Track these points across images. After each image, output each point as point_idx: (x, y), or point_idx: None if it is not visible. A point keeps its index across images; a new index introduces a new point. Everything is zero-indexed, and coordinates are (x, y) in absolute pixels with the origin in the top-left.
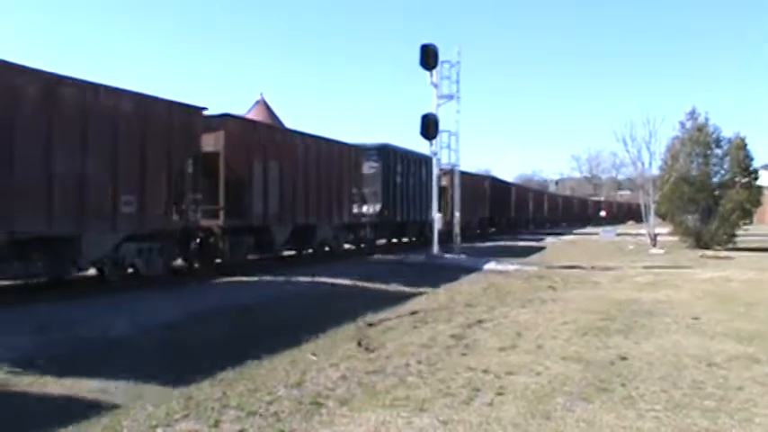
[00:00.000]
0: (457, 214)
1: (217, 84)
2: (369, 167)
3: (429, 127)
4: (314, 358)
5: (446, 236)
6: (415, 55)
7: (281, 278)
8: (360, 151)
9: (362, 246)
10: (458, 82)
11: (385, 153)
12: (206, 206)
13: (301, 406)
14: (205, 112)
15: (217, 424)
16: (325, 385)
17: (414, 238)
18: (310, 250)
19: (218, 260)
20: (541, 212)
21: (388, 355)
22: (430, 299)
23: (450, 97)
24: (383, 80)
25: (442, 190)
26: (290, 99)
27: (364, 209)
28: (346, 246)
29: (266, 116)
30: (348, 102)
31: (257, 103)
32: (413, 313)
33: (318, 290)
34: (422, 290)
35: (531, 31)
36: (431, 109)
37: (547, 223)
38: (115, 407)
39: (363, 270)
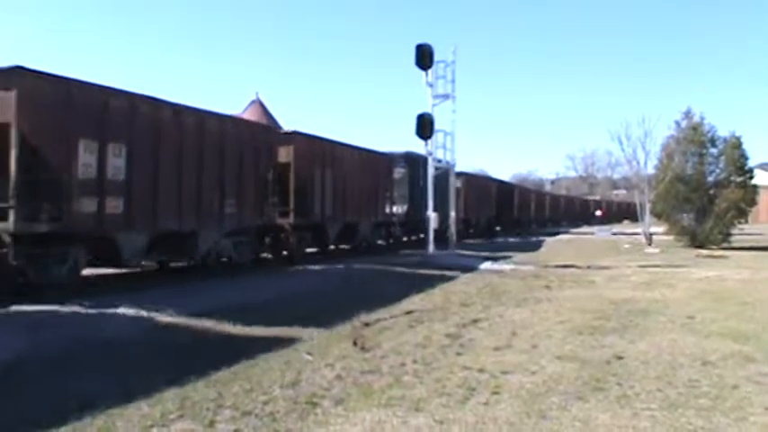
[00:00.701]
0: (452, 214)
1: (212, 83)
2: (397, 173)
3: (424, 127)
4: (309, 358)
5: (457, 235)
6: (411, 55)
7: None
8: (391, 159)
9: (391, 241)
10: (453, 81)
11: (410, 160)
12: (280, 208)
13: (297, 406)
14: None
15: (212, 424)
16: (320, 385)
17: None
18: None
19: (285, 252)
20: (543, 212)
21: (384, 355)
22: (425, 298)
23: (446, 97)
24: (378, 80)
25: (456, 191)
26: (286, 98)
27: (394, 209)
28: (378, 242)
29: (261, 116)
30: (343, 101)
31: (252, 102)
32: (408, 313)
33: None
34: (417, 289)
35: (526, 30)
36: (426, 109)
37: (548, 222)
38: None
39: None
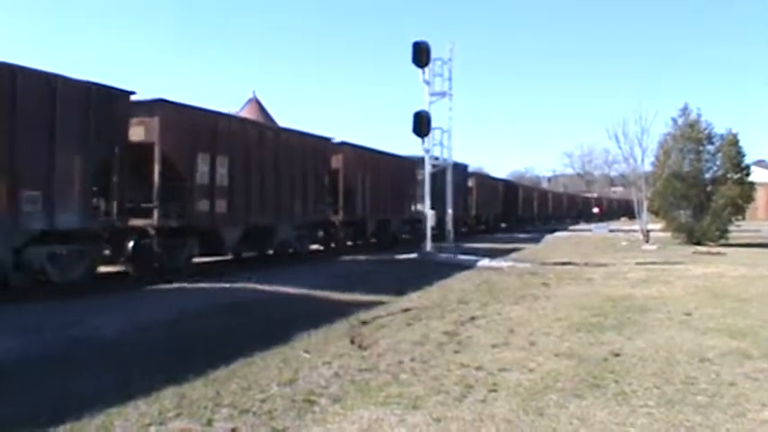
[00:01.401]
0: (450, 211)
1: (209, 81)
2: (420, 174)
3: (421, 124)
4: (307, 356)
5: (467, 231)
6: (408, 52)
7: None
8: (414, 163)
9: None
10: (450, 79)
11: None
12: (332, 207)
13: (294, 404)
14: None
15: (210, 422)
16: (317, 383)
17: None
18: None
19: (333, 244)
20: (546, 209)
21: (381, 353)
22: (423, 296)
23: (443, 94)
24: (375, 77)
25: (468, 190)
26: (283, 96)
27: (418, 207)
28: (404, 236)
29: (258, 114)
30: (339, 99)
31: (249, 101)
32: (405, 310)
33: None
34: (414, 287)
35: (523, 27)
36: (423, 106)
37: (551, 219)
38: (381, 303)
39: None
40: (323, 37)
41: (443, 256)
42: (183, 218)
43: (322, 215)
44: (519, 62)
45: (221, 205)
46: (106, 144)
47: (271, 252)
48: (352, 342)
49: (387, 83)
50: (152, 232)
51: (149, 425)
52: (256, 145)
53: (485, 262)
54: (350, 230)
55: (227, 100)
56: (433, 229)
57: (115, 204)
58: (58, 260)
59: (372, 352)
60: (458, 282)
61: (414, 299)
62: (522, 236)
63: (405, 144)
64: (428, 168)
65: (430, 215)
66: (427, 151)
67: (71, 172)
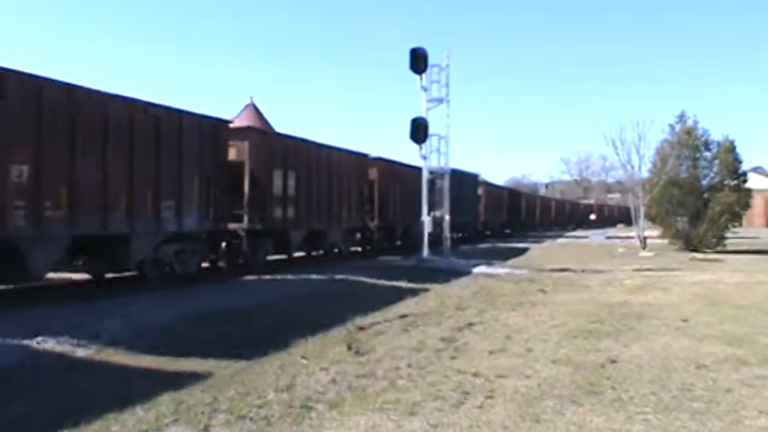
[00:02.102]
0: (447, 217)
1: (207, 87)
2: (438, 184)
3: (418, 131)
4: (304, 362)
5: (474, 235)
6: (405, 59)
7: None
8: (437, 173)
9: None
10: (447, 86)
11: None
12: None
13: (291, 410)
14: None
15: (207, 428)
16: (315, 389)
17: (461, 234)
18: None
19: (369, 246)
20: (548, 216)
21: (379, 359)
22: (420, 302)
23: (440, 101)
24: (372, 84)
25: (478, 198)
26: (280, 102)
27: (436, 213)
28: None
29: (256, 120)
30: (338, 105)
31: (247, 106)
32: (403, 317)
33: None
34: (412, 293)
35: (520, 34)
36: (420, 113)
37: (554, 226)
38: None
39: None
40: (320, 43)
41: (440, 261)
42: (264, 222)
43: (362, 221)
44: (516, 69)
45: (290, 212)
46: (212, 163)
47: (320, 252)
48: (350, 348)
49: (385, 89)
50: (242, 234)
51: (146, 431)
52: (314, 161)
53: (482, 268)
54: (382, 234)
55: (225, 106)
56: (430, 234)
57: (216, 212)
58: (181, 256)
59: (369, 358)
60: (455, 288)
61: (411, 305)
62: (522, 242)
63: (401, 150)
64: (426, 175)
65: (426, 221)
66: (424, 158)
67: (191, 186)
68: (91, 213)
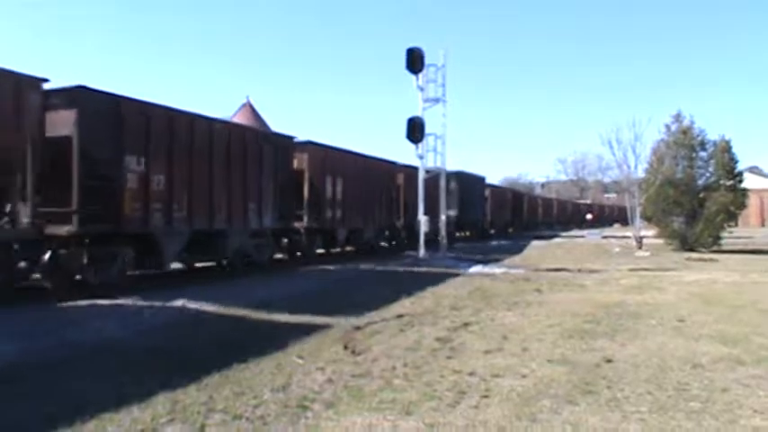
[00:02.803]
0: (443, 217)
1: (203, 86)
2: (452, 186)
3: (415, 130)
4: (300, 361)
5: (481, 233)
6: (402, 58)
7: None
8: (449, 176)
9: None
10: (444, 85)
11: (459, 177)
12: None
13: (287, 409)
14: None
15: (203, 428)
16: (311, 388)
17: (468, 233)
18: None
19: (395, 242)
20: (550, 216)
21: (375, 359)
22: (416, 302)
23: (436, 100)
24: (369, 84)
25: (485, 199)
26: (276, 101)
27: (450, 212)
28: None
29: (252, 119)
30: (334, 104)
31: (243, 106)
32: (399, 316)
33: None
34: (408, 293)
35: (516, 34)
36: (417, 112)
37: (555, 225)
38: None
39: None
40: (317, 43)
41: (437, 260)
42: (318, 221)
43: (390, 220)
44: (512, 69)
45: (338, 213)
46: (283, 172)
47: (364, 248)
48: (346, 348)
49: (382, 88)
50: (302, 231)
51: (142, 431)
52: (355, 168)
53: (478, 268)
54: (406, 232)
55: (221, 105)
56: (455, 224)
57: (286, 212)
58: (259, 249)
59: (366, 358)
60: (451, 288)
61: (407, 304)
62: (523, 240)
63: (398, 150)
64: (422, 174)
65: (423, 220)
66: (421, 157)
67: (268, 191)
68: (202, 214)
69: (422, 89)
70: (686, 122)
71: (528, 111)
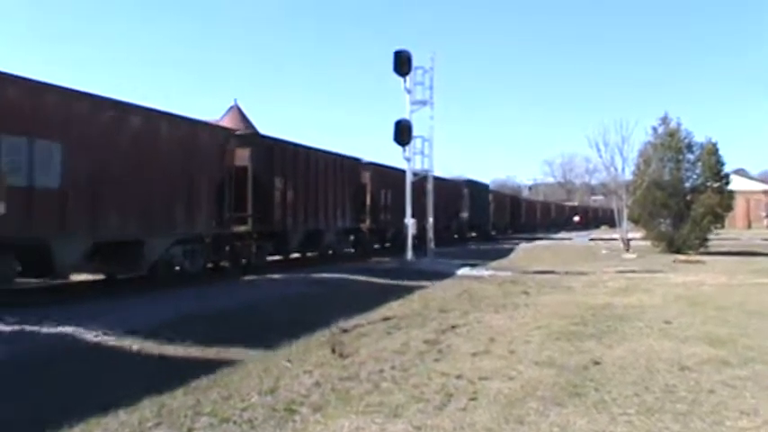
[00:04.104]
0: (431, 220)
1: (191, 89)
2: (464, 192)
3: (402, 133)
4: (288, 365)
5: (485, 234)
6: (389, 61)
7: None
8: (460, 184)
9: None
10: (431, 88)
11: (470, 184)
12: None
13: (275, 413)
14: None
15: (190, 431)
16: (298, 392)
17: (475, 234)
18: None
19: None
20: (548, 218)
21: (362, 362)
22: (403, 305)
23: (424, 103)
24: (356, 87)
25: (488, 205)
26: (265, 105)
27: (464, 215)
28: (455, 235)
29: (240, 122)
30: (322, 107)
31: (231, 109)
32: (386, 319)
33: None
34: (395, 296)
35: (504, 36)
36: (404, 115)
37: (553, 227)
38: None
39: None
40: (305, 45)
41: (424, 263)
42: (376, 223)
43: (421, 223)
44: (499, 71)
45: (387, 216)
46: (353, 187)
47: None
48: (333, 351)
49: (369, 91)
50: (366, 231)
51: None
52: (394, 181)
53: (466, 270)
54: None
55: (209, 108)
56: (467, 224)
57: (356, 216)
58: (340, 242)
59: (353, 360)
60: (438, 290)
61: (394, 307)
62: (522, 241)
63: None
64: (409, 176)
65: (411, 223)
66: (408, 160)
67: (344, 200)
68: (312, 217)
69: (409, 92)
70: (673, 125)
71: (515, 113)
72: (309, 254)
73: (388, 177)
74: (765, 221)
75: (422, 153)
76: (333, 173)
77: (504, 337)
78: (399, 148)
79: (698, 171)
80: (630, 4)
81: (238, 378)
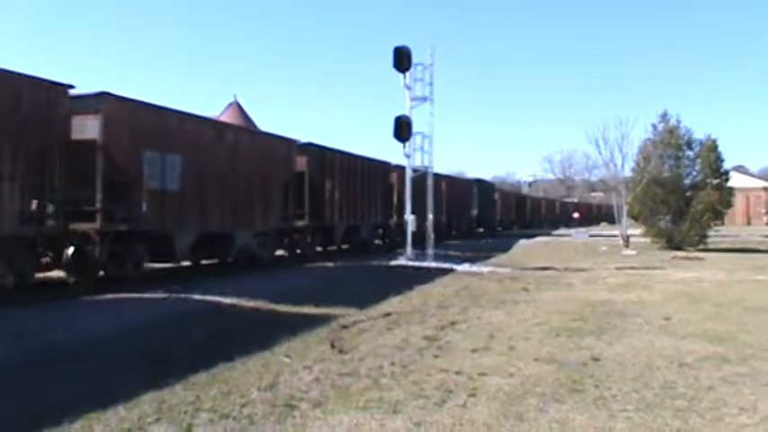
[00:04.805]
0: (430, 216)
1: (190, 84)
2: (474, 190)
3: (402, 129)
4: (287, 360)
5: (492, 229)
6: (389, 57)
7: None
8: (472, 183)
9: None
10: (431, 84)
11: (479, 182)
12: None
13: (274, 408)
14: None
15: (189, 427)
16: (298, 387)
17: (483, 229)
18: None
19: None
20: (553, 214)
21: (362, 357)
22: (403, 301)
23: (424, 99)
24: (357, 83)
25: (494, 202)
26: (264, 100)
27: (474, 211)
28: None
29: (239, 118)
30: (322, 103)
31: (230, 104)
32: (386, 315)
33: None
34: (395, 291)
35: (504, 33)
36: (404, 111)
37: (559, 223)
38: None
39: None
40: (305, 43)
41: (425, 260)
42: (395, 219)
43: (438, 218)
44: (499, 67)
45: (440, 217)
46: (383, 187)
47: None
48: (333, 346)
49: (369, 88)
50: (393, 226)
51: (129, 430)
52: (421, 182)
53: (466, 267)
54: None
55: (209, 104)
56: (476, 220)
57: (386, 213)
58: (372, 236)
59: (353, 356)
60: (438, 287)
61: (394, 303)
62: (523, 238)
63: (386, 149)
64: (409, 173)
65: (411, 220)
66: (408, 156)
67: (376, 198)
68: (351, 215)
69: (409, 88)
70: (673, 122)
71: (515, 109)
72: (345, 246)
73: (415, 178)
74: (765, 218)
75: (422, 149)
76: (367, 175)
77: (503, 334)
78: (399, 144)
79: (697, 168)
80: (631, 0)
81: (238, 374)
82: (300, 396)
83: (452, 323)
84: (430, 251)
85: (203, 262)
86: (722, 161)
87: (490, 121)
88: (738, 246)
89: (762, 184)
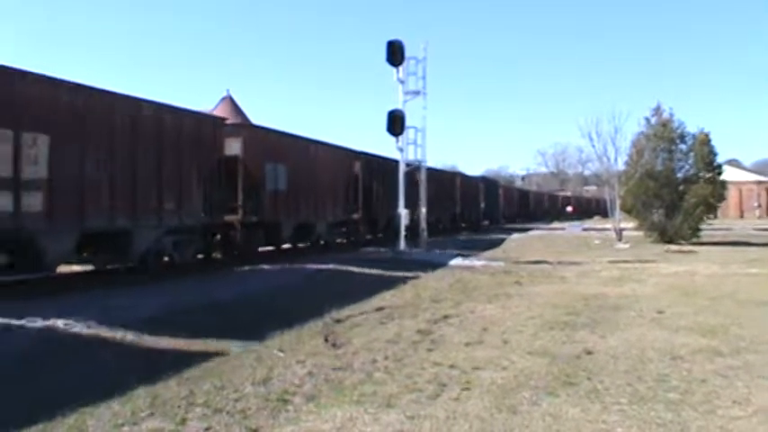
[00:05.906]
0: (423, 210)
1: (184, 78)
2: (480, 186)
3: (395, 123)
4: (281, 354)
5: (495, 222)
6: (382, 51)
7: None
8: (479, 180)
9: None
10: (424, 78)
11: (485, 179)
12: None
13: (268, 403)
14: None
15: (183, 422)
16: (291, 382)
17: (488, 222)
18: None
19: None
20: (556, 208)
21: (355, 351)
22: (396, 295)
23: (417, 93)
24: (350, 76)
25: (498, 197)
26: (258, 95)
27: (482, 205)
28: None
29: (232, 112)
30: (315, 98)
31: (223, 99)
32: (379, 309)
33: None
34: (388, 286)
35: (497, 27)
36: (397, 105)
37: (560, 216)
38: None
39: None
40: (297, 36)
41: (418, 254)
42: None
43: (449, 212)
44: (493, 61)
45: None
46: (413, 188)
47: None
48: (326, 340)
49: (362, 81)
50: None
51: (122, 425)
52: (439, 177)
53: (458, 261)
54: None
55: (201, 97)
56: (483, 214)
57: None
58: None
59: (346, 350)
60: (431, 280)
61: (387, 297)
62: (522, 231)
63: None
64: (402, 167)
65: (404, 214)
66: (401, 150)
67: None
68: (392, 209)
69: (402, 82)
70: (665, 115)
71: (508, 103)
72: (380, 235)
73: (437, 175)
74: (757, 212)
75: (415, 143)
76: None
77: (496, 327)
78: (392, 138)
79: (690, 161)
80: None
81: (231, 368)
82: (294, 390)
83: (445, 317)
84: (423, 245)
85: (299, 245)
86: (715, 155)
87: (483, 114)
88: (731, 239)
89: (755, 177)
